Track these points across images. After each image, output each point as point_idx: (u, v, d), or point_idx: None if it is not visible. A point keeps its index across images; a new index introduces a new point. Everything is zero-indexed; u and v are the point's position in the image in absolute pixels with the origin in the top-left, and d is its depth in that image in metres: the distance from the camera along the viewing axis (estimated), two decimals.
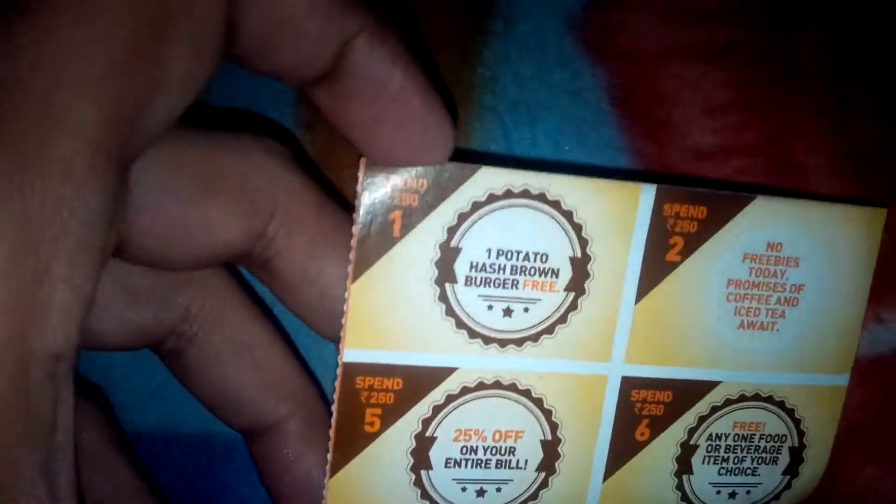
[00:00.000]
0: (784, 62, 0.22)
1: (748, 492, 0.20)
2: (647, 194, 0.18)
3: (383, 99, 0.16)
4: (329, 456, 0.18)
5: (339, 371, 0.17)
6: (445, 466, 0.18)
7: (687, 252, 0.18)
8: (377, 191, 0.16)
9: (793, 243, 0.19)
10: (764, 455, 0.20)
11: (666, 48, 0.21)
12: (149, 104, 0.13)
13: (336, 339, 0.17)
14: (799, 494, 0.21)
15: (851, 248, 0.19)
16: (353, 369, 0.17)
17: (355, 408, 0.18)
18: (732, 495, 0.20)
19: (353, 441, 0.18)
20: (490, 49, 0.21)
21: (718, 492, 0.20)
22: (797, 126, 0.22)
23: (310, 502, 0.19)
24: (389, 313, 0.17)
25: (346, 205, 0.18)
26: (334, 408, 0.17)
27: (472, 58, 0.21)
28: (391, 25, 0.16)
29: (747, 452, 0.20)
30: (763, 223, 0.19)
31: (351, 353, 0.17)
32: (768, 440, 0.20)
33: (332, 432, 0.18)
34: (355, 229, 0.17)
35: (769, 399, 0.20)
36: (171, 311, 0.18)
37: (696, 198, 0.18)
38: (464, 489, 0.19)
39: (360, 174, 0.16)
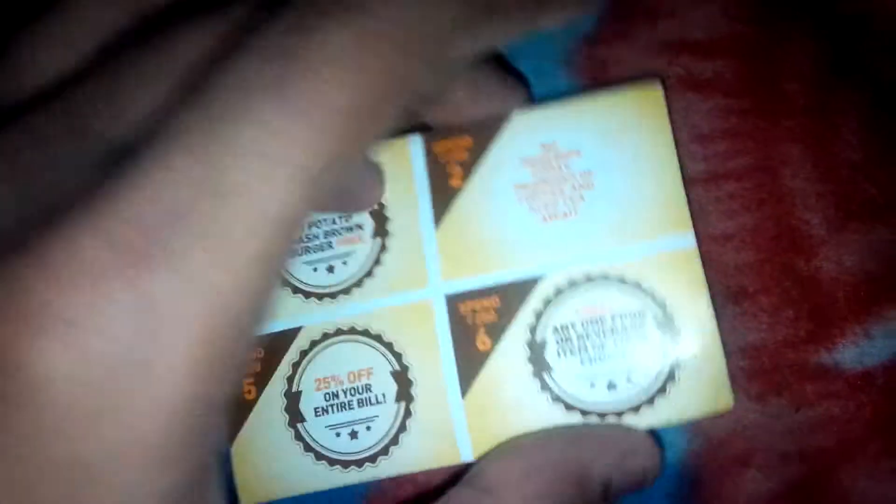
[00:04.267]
0: (770, 91, 0.23)
1: (628, 379, 0.19)
2: (415, 142, 0.21)
3: None
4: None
5: None
6: (316, 416, 0.21)
7: (467, 175, 0.21)
8: None
9: (565, 138, 0.21)
10: (627, 334, 0.20)
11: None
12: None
13: None
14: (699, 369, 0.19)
15: (632, 125, 0.20)
16: None
17: None
18: (612, 386, 0.19)
19: (238, 411, 0.21)
20: None
21: (593, 385, 0.19)
22: (784, 152, 0.23)
23: None
24: None
25: None
26: None
27: None
28: None
29: (604, 337, 0.20)
30: (531, 131, 0.21)
31: None
32: (623, 319, 0.20)
33: None
34: None
35: (604, 277, 0.20)
36: None
37: (458, 130, 0.21)
38: (338, 434, 0.20)
39: None
